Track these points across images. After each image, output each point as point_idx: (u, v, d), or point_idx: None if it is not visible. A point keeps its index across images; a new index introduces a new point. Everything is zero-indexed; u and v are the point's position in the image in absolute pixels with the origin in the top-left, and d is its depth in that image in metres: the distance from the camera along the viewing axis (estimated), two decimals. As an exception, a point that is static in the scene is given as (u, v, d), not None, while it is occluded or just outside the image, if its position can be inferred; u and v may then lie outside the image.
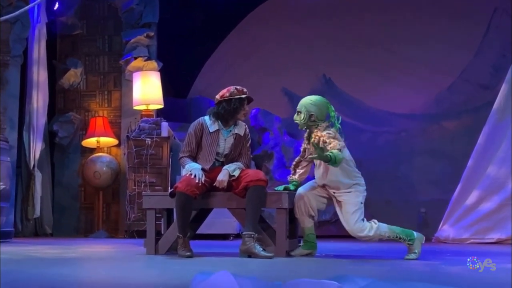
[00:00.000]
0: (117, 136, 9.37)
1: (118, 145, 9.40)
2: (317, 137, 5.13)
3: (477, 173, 7.96)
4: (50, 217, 9.21)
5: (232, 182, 5.33)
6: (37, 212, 8.76)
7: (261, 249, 5.10)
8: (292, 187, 5.44)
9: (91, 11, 9.73)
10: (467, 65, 9.77)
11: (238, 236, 7.93)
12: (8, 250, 5.74)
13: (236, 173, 5.32)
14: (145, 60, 9.25)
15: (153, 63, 9.26)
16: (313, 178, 5.35)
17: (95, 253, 6.17)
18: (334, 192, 5.22)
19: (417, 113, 9.87)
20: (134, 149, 8.54)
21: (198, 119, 5.53)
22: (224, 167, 5.37)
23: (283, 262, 4.87)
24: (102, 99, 9.63)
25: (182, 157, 5.49)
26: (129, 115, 9.30)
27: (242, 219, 5.40)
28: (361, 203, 5.18)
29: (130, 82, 9.21)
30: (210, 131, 5.43)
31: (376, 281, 2.61)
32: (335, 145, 5.00)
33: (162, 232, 5.71)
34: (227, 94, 5.40)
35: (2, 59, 8.21)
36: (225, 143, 5.46)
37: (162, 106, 9.06)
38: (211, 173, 5.38)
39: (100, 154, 9.25)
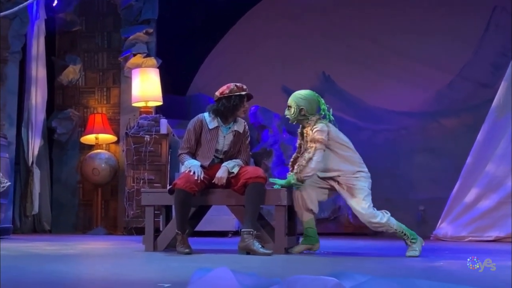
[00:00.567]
0: (116, 133, 9.36)
1: (117, 142, 9.39)
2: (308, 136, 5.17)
3: (476, 170, 7.95)
4: (48, 214, 9.21)
5: (231, 179, 5.32)
6: (36, 209, 8.75)
7: (260, 246, 5.09)
8: (292, 180, 5.34)
9: (90, 7, 9.71)
10: (466, 63, 9.78)
11: (237, 233, 7.92)
12: (6, 247, 5.73)
13: (235, 170, 5.31)
14: (144, 57, 9.23)
15: (152, 60, 9.24)
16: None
17: (94, 249, 6.17)
18: (338, 179, 5.20)
19: (416, 111, 9.87)
20: (133, 146, 8.52)
21: (198, 115, 5.52)
22: (223, 164, 5.36)
23: (281, 259, 4.87)
24: (101, 95, 9.62)
25: (181, 153, 5.47)
26: (128, 112, 9.28)
27: (241, 216, 5.39)
28: (369, 188, 5.19)
29: (129, 79, 9.19)
30: (210, 128, 5.42)
31: (375, 277, 2.60)
32: (307, 156, 5.09)
33: (161, 229, 5.71)
34: (227, 91, 5.38)
35: (1, 55, 8.21)
36: (225, 140, 5.45)
37: (161, 103, 9.05)
38: (210, 170, 5.37)
39: (98, 150, 9.24)
